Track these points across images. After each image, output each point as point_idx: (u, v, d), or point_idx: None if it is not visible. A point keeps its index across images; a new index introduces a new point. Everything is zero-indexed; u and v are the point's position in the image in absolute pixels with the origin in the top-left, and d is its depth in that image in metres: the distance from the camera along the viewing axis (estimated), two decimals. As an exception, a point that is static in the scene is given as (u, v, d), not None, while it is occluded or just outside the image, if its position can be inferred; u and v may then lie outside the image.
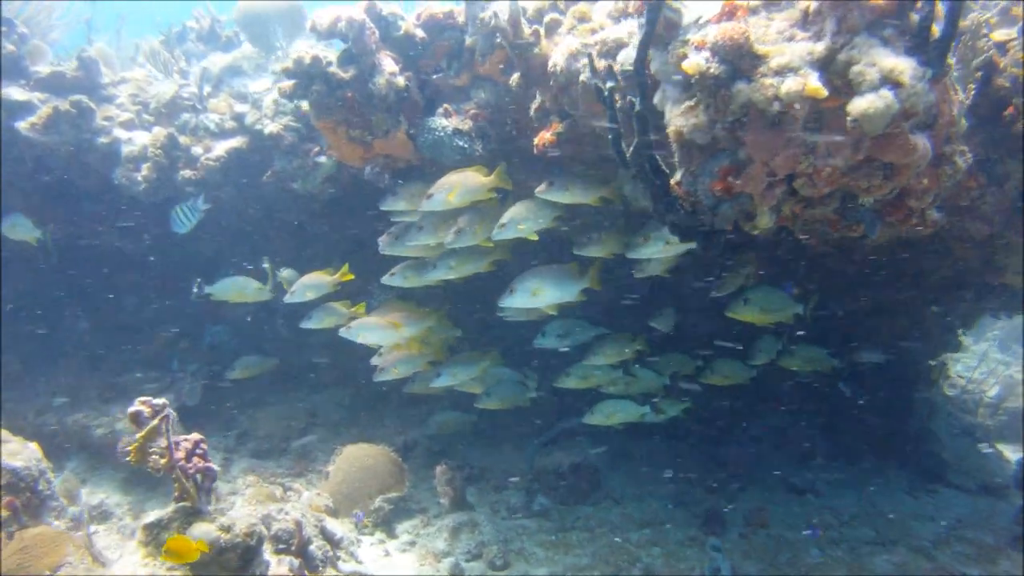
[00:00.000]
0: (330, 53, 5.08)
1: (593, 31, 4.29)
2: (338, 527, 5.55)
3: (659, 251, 4.65)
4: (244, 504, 6.12)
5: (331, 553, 5.21)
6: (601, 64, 4.10)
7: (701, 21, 3.46)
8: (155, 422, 3.88)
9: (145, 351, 7.42)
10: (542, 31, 4.51)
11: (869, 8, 3.21)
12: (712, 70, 3.30)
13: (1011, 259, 5.02)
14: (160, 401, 4.01)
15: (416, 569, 5.59)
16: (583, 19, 4.35)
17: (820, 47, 3.24)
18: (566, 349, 5.92)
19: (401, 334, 5.56)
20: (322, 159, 6.31)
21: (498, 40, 4.89)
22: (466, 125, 5.09)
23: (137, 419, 3.93)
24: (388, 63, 5.06)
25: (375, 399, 7.50)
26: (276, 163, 6.41)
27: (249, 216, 7.01)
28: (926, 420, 7.53)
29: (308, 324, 5.94)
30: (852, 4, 3.22)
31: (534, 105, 4.86)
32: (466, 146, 5.10)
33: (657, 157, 3.67)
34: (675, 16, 3.52)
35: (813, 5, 3.30)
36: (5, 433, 5.45)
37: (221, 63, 7.06)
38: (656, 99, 3.72)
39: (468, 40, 5.14)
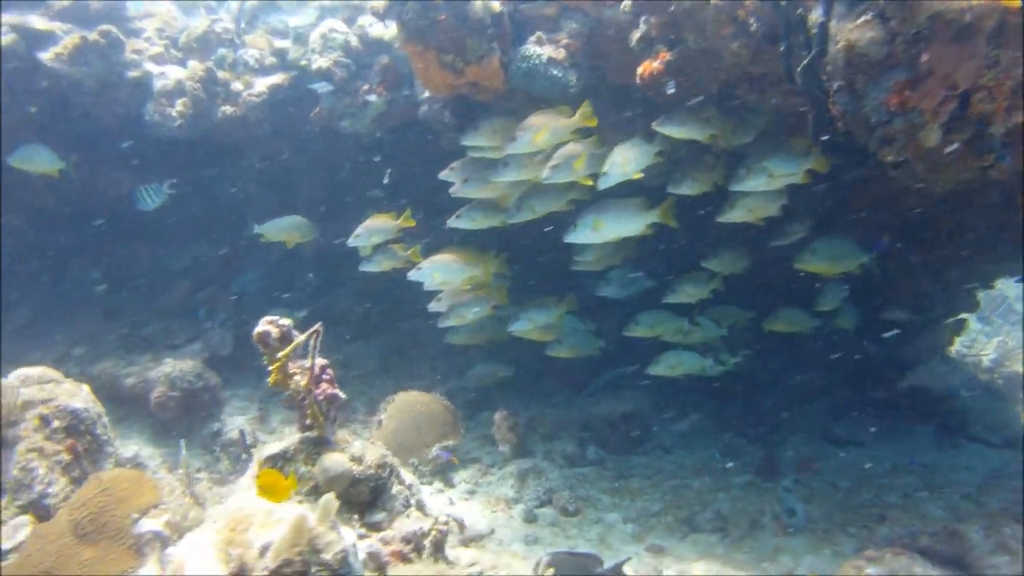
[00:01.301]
0: None
1: (720, -47, 4.18)
2: (407, 475, 5.38)
3: (762, 184, 4.57)
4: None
5: (412, 498, 5.04)
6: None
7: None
8: (302, 338, 3.65)
9: (166, 300, 7.06)
10: (658, -46, 4.40)
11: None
12: (904, -21, 3.24)
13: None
14: (287, 321, 3.77)
15: (488, 516, 5.47)
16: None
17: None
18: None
19: (474, 272, 5.38)
20: (372, 97, 6.08)
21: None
22: (560, 55, 4.94)
23: (264, 340, 3.69)
24: (484, -15, 4.88)
25: (407, 350, 7.30)
26: (324, 101, 6.15)
27: (282, 161, 6.72)
28: (948, 377, 7.70)
29: (368, 267, 5.71)
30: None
31: (636, 35, 4.74)
32: (560, 75, 4.94)
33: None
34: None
35: None
36: (56, 373, 5.12)
37: (258, -2, 6.75)
38: (812, 16, 3.65)
39: (559, -32, 5.00)
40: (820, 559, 5.12)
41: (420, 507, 4.29)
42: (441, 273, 5.33)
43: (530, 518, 5.44)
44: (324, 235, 6.91)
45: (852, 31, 3.46)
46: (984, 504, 5.87)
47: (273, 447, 3.81)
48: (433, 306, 5.77)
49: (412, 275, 5.35)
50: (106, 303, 7.06)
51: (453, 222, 5.47)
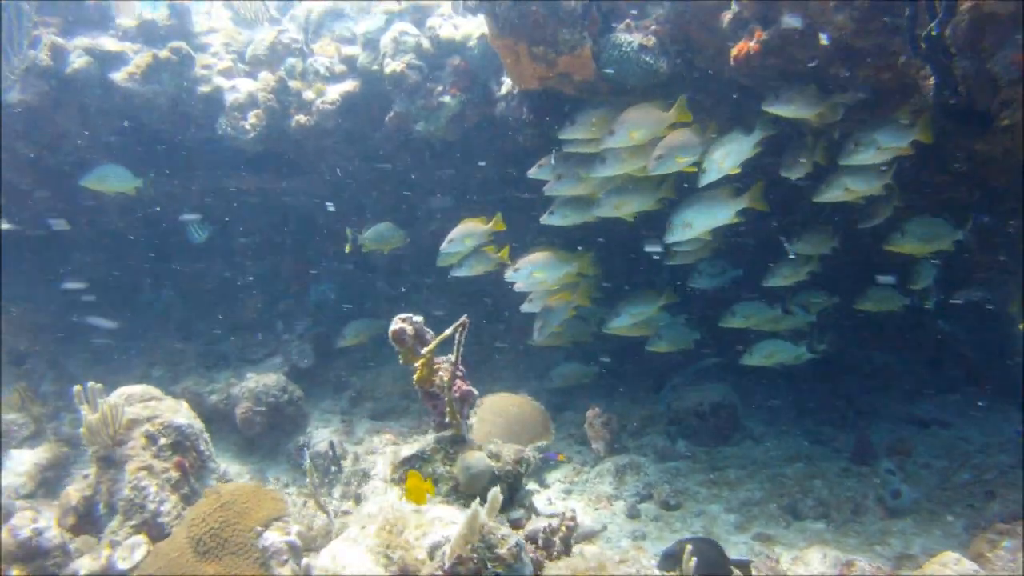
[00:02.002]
0: None
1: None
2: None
3: (871, 157, 4.52)
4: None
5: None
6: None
7: None
8: (448, 331, 3.61)
9: (240, 315, 7.05)
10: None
11: None
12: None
13: None
14: (419, 318, 3.74)
15: (592, 514, 5.42)
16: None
17: None
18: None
19: (570, 268, 5.36)
20: (446, 98, 6.06)
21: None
22: (650, 41, 4.90)
23: (400, 338, 3.66)
24: (571, -25, 4.85)
25: (485, 353, 7.27)
26: (397, 105, 6.13)
27: (353, 169, 6.70)
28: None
29: (460, 272, 5.71)
30: None
31: (727, 16, 4.70)
32: (651, 62, 4.90)
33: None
34: None
35: None
36: (157, 391, 5.10)
37: (320, 7, 6.73)
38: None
39: (644, -44, 4.97)
40: (931, 540, 5.06)
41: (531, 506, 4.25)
42: (540, 271, 5.30)
43: (633, 513, 5.39)
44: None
45: (981, -8, 3.42)
46: (1083, 477, 5.79)
47: (408, 448, 3.77)
48: (526, 307, 5.74)
49: (510, 275, 5.33)
50: (180, 322, 7.05)
51: (546, 219, 5.45)
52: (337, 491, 5.77)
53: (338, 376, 6.99)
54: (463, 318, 3.56)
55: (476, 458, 3.64)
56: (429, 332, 3.72)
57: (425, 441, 3.77)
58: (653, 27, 4.96)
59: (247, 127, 6.17)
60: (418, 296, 6.95)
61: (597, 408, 6.08)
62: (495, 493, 3.21)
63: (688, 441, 6.37)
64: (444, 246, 5.51)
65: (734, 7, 4.65)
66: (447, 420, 3.69)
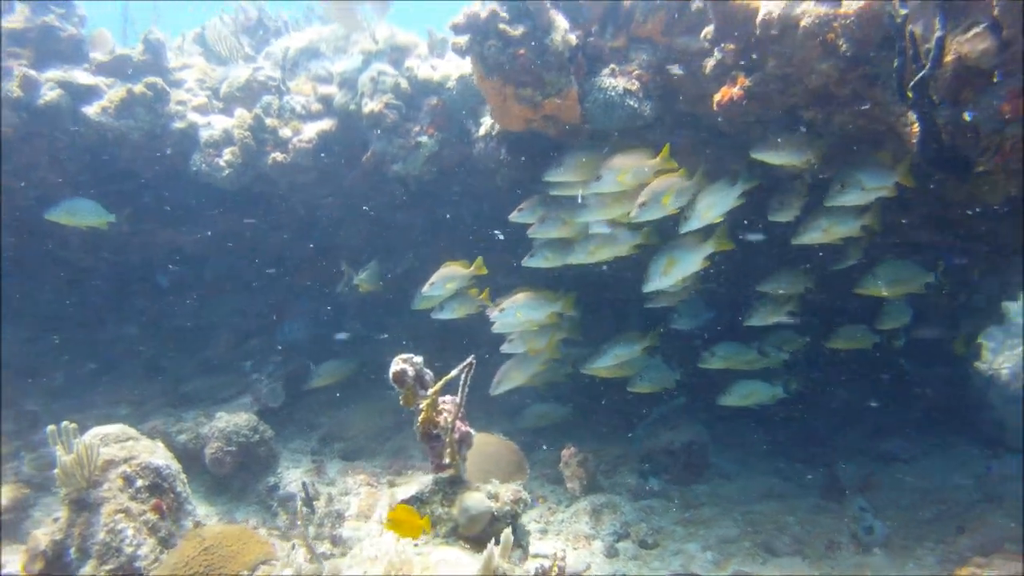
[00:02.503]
0: (498, 8, 4.88)
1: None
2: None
3: (856, 198, 4.65)
4: (364, 502, 5.82)
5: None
6: (820, 10, 4.16)
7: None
8: (455, 372, 3.61)
9: (208, 354, 6.93)
10: (737, -16, 4.51)
11: None
12: (1024, -5, 3.38)
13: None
14: (419, 358, 3.73)
15: (572, 554, 5.41)
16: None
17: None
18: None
19: (554, 308, 5.40)
20: (424, 138, 6.10)
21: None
22: (634, 86, 5.02)
23: (402, 379, 3.64)
24: (560, 20, 4.94)
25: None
26: (375, 144, 6.15)
27: (326, 205, 6.68)
28: (984, 390, 7.86)
29: (441, 315, 5.73)
30: None
31: (710, 62, 4.84)
32: (636, 106, 5.02)
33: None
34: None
35: None
36: (133, 430, 4.98)
37: (297, 45, 6.74)
38: (918, 30, 3.78)
39: (626, 2, 5.09)
40: (906, 573, 5.17)
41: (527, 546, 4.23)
42: (524, 312, 5.33)
43: (612, 553, 5.40)
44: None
45: (963, 44, 3.58)
46: (1042, 513, 5.96)
47: (405, 491, 3.76)
48: (506, 348, 5.75)
49: (496, 316, 5.34)
50: (147, 360, 6.90)
51: (527, 261, 5.50)
52: (310, 532, 5.68)
53: (307, 416, 6.90)
54: (470, 358, 3.57)
55: (476, 499, 3.62)
56: (428, 373, 3.71)
57: (423, 482, 3.75)
58: (636, 72, 5.08)
59: (222, 164, 6.12)
60: (389, 333, 6.91)
61: (572, 448, 6.09)
62: (507, 535, 3.22)
63: (660, 479, 6.40)
64: (425, 289, 5.52)
65: (717, 54, 4.79)
66: (447, 462, 3.67)
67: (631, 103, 5.01)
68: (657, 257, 5.12)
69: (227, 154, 6.14)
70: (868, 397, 7.59)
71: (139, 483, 4.53)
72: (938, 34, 3.57)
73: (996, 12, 3.47)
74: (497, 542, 3.68)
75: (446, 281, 5.45)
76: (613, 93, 5.00)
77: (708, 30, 4.73)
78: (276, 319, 7.16)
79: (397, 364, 3.62)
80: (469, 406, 7.01)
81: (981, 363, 8.93)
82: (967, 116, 3.68)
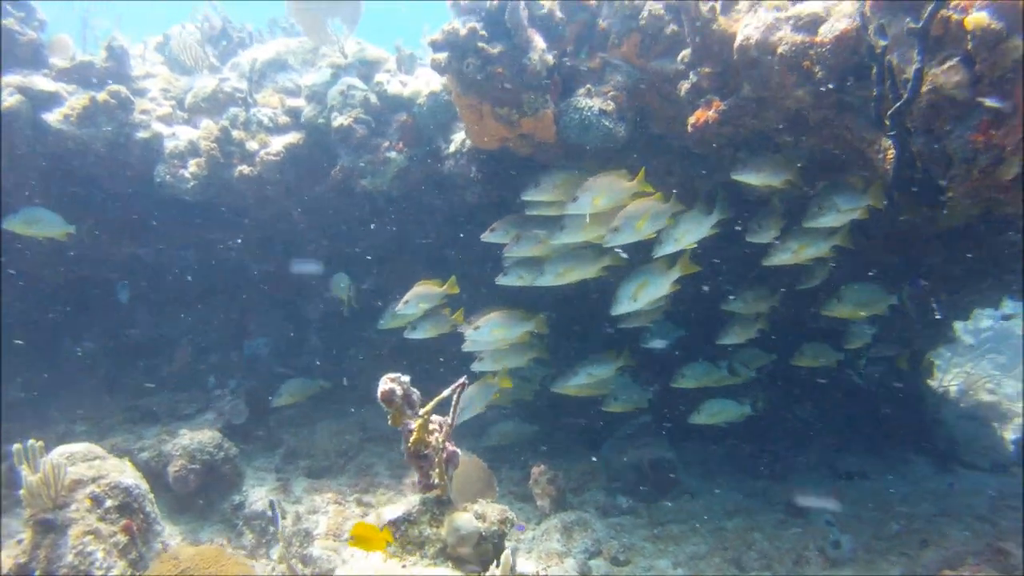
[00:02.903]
0: (477, 26, 4.88)
1: (778, 8, 4.40)
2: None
3: (833, 220, 4.73)
4: (333, 521, 5.74)
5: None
6: (796, 38, 4.24)
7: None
8: (447, 392, 3.57)
9: (169, 369, 6.77)
10: (718, 7, 4.57)
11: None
12: (993, 25, 3.48)
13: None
14: (406, 377, 3.69)
15: (544, 572, 5.39)
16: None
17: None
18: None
19: (527, 327, 5.41)
20: (392, 154, 6.07)
21: (643, 21, 4.95)
22: (609, 107, 5.06)
23: (390, 398, 3.60)
24: (538, 40, 4.96)
25: (419, 410, 7.19)
26: (343, 159, 6.10)
27: (291, 219, 6.60)
28: (937, 407, 8.05)
29: (415, 335, 5.74)
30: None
31: (685, 85, 4.90)
32: (611, 127, 5.06)
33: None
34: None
35: None
36: (100, 449, 4.84)
37: (264, 57, 6.65)
38: (896, 61, 3.87)
39: (601, 23, 5.14)
40: (876, 585, 5.27)
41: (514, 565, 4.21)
42: (500, 330, 5.33)
43: (584, 570, 5.40)
44: (331, 300, 6.85)
45: (938, 75, 3.68)
46: (998, 524, 6.11)
47: (392, 511, 3.70)
48: (477, 366, 5.74)
49: (471, 335, 5.33)
50: (105, 375, 6.72)
51: (501, 280, 5.52)
52: (276, 552, 5.58)
53: (270, 433, 6.78)
54: (462, 379, 3.55)
55: (464, 519, 3.60)
56: (415, 391, 3.67)
57: (410, 503, 3.70)
58: (611, 93, 5.12)
59: (187, 175, 6.01)
60: (353, 349, 6.83)
61: (542, 466, 6.08)
62: (507, 556, 3.20)
63: (628, 497, 6.42)
64: (400, 308, 5.49)
65: (692, 77, 4.85)
66: (435, 481, 3.63)
67: (606, 124, 5.04)
68: (627, 281, 5.17)
69: (192, 166, 6.03)
70: (825, 415, 7.74)
71: (108, 503, 4.41)
72: (916, 66, 3.66)
73: (970, 47, 3.58)
74: (490, 562, 3.70)
75: (419, 300, 5.42)
76: (589, 113, 5.03)
77: (685, 53, 4.79)
78: (238, 334, 7.03)
79: (385, 383, 3.58)
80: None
81: (932, 381, 9.15)
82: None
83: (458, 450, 3.79)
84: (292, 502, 6.11)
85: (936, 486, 7.14)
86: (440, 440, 3.58)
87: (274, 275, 6.86)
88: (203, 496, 5.99)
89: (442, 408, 3.66)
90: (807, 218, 4.71)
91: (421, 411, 3.56)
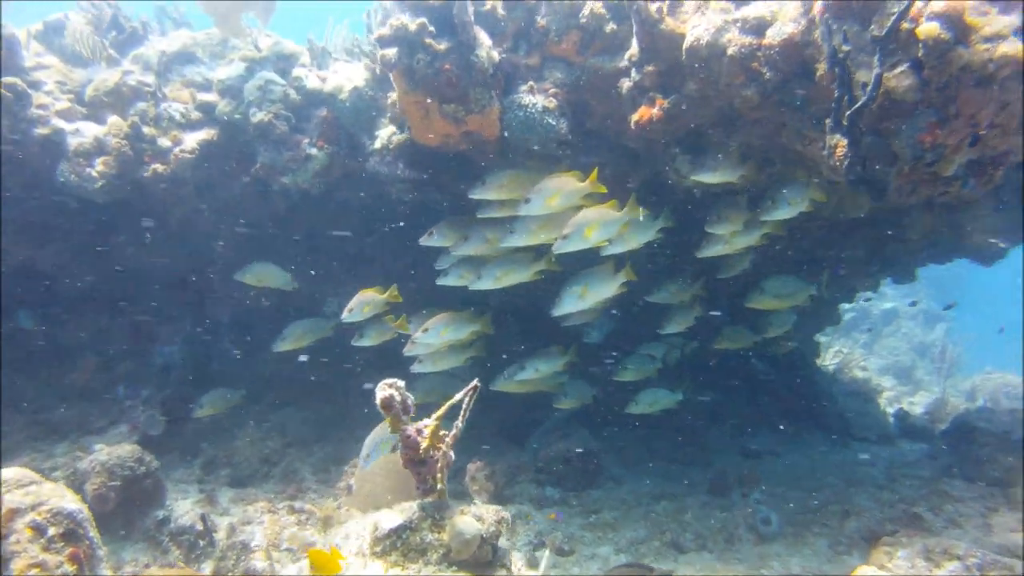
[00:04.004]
0: (426, 22, 4.80)
1: (725, 10, 4.57)
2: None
3: (786, 212, 4.93)
4: (270, 530, 5.56)
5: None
6: (745, 40, 4.42)
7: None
8: (459, 395, 3.52)
9: (72, 380, 6.34)
10: (665, 8, 4.68)
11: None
12: (943, 35, 3.75)
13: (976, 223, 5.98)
14: (401, 382, 3.60)
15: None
16: (707, -1, 4.63)
17: (1017, 19, 3.83)
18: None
19: (474, 327, 5.44)
20: (313, 151, 5.91)
21: (584, 19, 5.02)
22: (551, 103, 5.10)
23: (390, 405, 3.50)
24: (484, 37, 4.93)
25: (340, 415, 7.04)
26: (263, 156, 5.89)
27: (203, 218, 6.31)
28: (828, 386, 8.55)
29: (362, 342, 5.73)
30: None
31: (626, 84, 5.01)
32: (554, 124, 5.10)
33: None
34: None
35: None
36: (32, 473, 4.48)
37: (170, 49, 6.30)
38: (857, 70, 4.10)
39: (540, 20, 5.17)
40: (804, 559, 5.56)
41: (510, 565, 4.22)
42: (447, 332, 5.32)
43: (533, 563, 5.43)
44: (242, 298, 6.63)
45: (890, 79, 3.93)
46: (898, 491, 6.56)
47: (390, 520, 3.60)
48: (417, 367, 5.70)
49: (419, 337, 5.30)
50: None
51: (442, 280, 5.55)
52: (208, 566, 5.35)
53: (186, 442, 6.47)
54: (474, 382, 3.51)
55: (466, 523, 3.56)
56: (410, 396, 3.60)
57: (408, 510, 3.62)
58: (552, 90, 5.17)
59: (94, 174, 5.64)
60: (265, 353, 6.58)
61: (479, 462, 6.09)
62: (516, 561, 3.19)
63: (557, 487, 6.52)
64: (344, 316, 5.42)
65: (635, 75, 4.96)
66: (437, 486, 3.58)
67: (549, 121, 5.09)
68: (571, 284, 5.30)
69: (100, 164, 5.66)
70: (730, 397, 8.09)
71: (51, 531, 4.07)
72: (876, 71, 3.88)
73: (920, 54, 3.83)
74: (488, 564, 3.68)
75: (363, 306, 5.34)
76: (533, 111, 5.06)
77: (633, 52, 4.89)
78: (147, 341, 6.65)
79: (384, 390, 3.49)
80: (356, 422, 6.91)
81: (818, 360, 9.73)
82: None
83: (452, 454, 3.74)
84: (220, 513, 5.86)
85: (838, 459, 7.61)
86: (450, 444, 3.54)
87: (184, 278, 6.54)
88: (122, 513, 5.65)
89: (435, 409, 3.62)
90: (763, 212, 4.92)
91: (433, 416, 3.50)
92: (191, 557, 5.52)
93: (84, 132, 5.72)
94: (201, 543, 5.53)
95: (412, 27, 4.72)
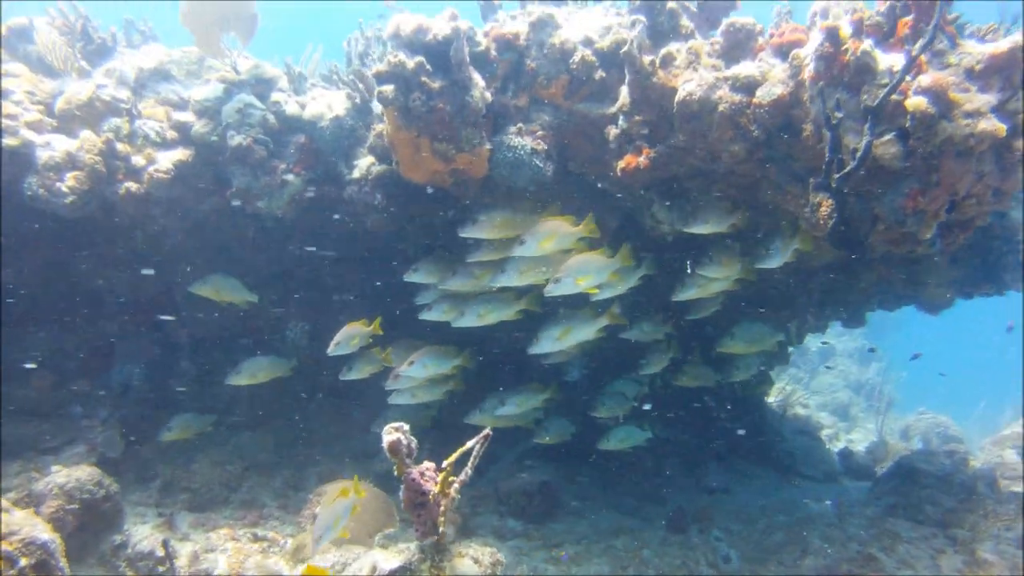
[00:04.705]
0: (424, 61, 4.85)
1: (716, 67, 4.73)
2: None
3: (776, 261, 5.11)
4: (233, 559, 5.48)
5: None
6: (736, 98, 4.58)
7: (895, 69, 4.09)
8: (472, 443, 3.57)
9: (24, 397, 6.15)
10: (657, 62, 4.80)
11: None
12: (930, 110, 3.95)
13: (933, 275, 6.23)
14: (407, 426, 3.61)
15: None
16: (697, 53, 4.77)
17: (993, 98, 4.05)
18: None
19: (456, 361, 5.57)
20: (289, 176, 5.89)
21: (574, 65, 5.13)
22: (540, 146, 5.18)
23: (396, 448, 3.51)
24: (477, 77, 4.99)
25: (299, 439, 6.98)
26: (239, 179, 5.83)
27: (171, 239, 6.21)
28: (776, 424, 8.76)
29: (350, 375, 5.82)
30: (1012, 62, 4.07)
31: (612, 131, 5.12)
32: (541, 166, 5.18)
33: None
34: (872, 63, 4.13)
35: (979, 67, 4.11)
36: (4, 502, 4.34)
37: (147, 66, 6.20)
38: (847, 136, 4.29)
39: (530, 63, 5.25)
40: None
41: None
42: (432, 366, 5.44)
43: (512, 601, 5.48)
44: (203, 321, 6.56)
45: (877, 146, 4.12)
46: (847, 531, 6.76)
47: (389, 561, 3.63)
48: (394, 399, 5.82)
49: (406, 371, 5.42)
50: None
51: (425, 315, 5.69)
52: (168, 594, 5.26)
53: (142, 465, 6.34)
54: (487, 430, 3.55)
55: (467, 565, 3.64)
56: (413, 440, 3.61)
57: (409, 552, 3.67)
58: (539, 132, 5.26)
59: (64, 189, 5.50)
60: (223, 376, 6.48)
61: (447, 492, 6.07)
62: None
63: (519, 519, 6.55)
64: (331, 349, 5.46)
65: (623, 123, 5.07)
66: (439, 529, 3.60)
67: (537, 163, 5.18)
68: (552, 324, 5.54)
69: (70, 179, 5.53)
70: (683, 434, 8.23)
71: (23, 563, 3.97)
72: (867, 138, 4.07)
73: (907, 125, 4.03)
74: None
75: (349, 340, 5.38)
76: (521, 152, 5.14)
77: (624, 101, 5.00)
78: (105, 360, 6.49)
79: (391, 434, 3.51)
80: (318, 447, 6.86)
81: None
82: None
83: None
84: (180, 539, 5.74)
85: (788, 496, 7.80)
86: (457, 488, 3.57)
87: (148, 298, 6.43)
88: (78, 537, 5.50)
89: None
90: (758, 261, 5.09)
91: (444, 463, 3.53)
92: (148, 584, 5.41)
93: (55, 145, 5.58)
94: (160, 569, 5.41)
95: (410, 65, 4.74)
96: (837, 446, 11.16)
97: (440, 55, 4.85)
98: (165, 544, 5.41)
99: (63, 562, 4.25)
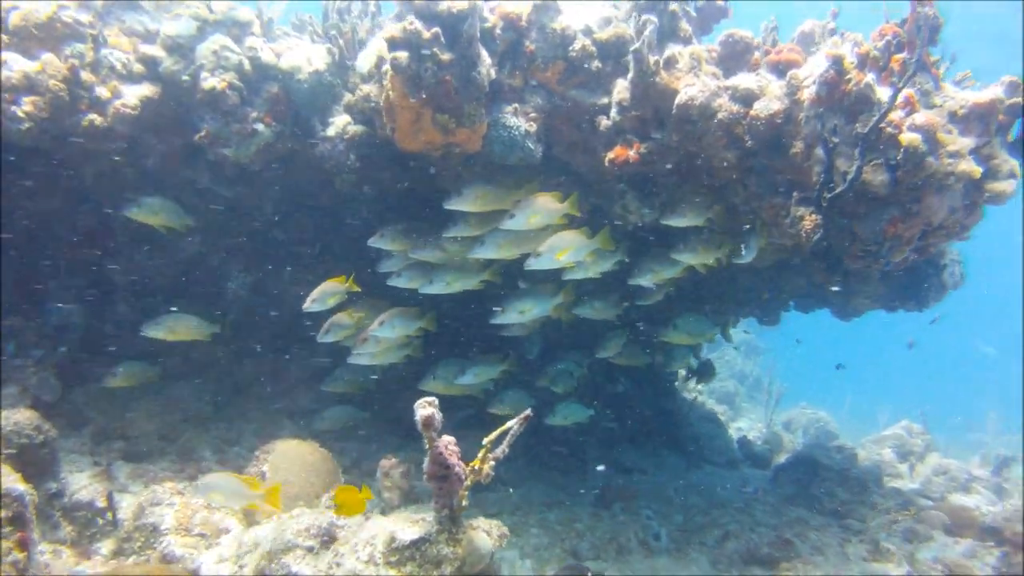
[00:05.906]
0: (440, 32, 4.81)
1: (716, 75, 4.93)
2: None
3: (751, 256, 5.36)
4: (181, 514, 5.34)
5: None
6: (734, 108, 4.79)
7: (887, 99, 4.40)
8: (512, 422, 3.63)
9: (-51, 333, 5.76)
10: (661, 63, 4.95)
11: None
12: (921, 146, 4.27)
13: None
14: (436, 400, 3.64)
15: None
16: (699, 59, 4.95)
17: (972, 142, 4.44)
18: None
19: (420, 323, 5.57)
20: (259, 126, 5.73)
21: (573, 53, 5.22)
22: (532, 127, 5.24)
23: (431, 423, 3.54)
24: (485, 54, 4.98)
25: (235, 391, 6.82)
26: (209, 123, 5.62)
27: (120, 177, 5.93)
28: (686, 410, 9.17)
29: (327, 339, 5.77)
30: (991, 111, 4.48)
31: (603, 122, 5.25)
32: (532, 148, 5.26)
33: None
34: (872, 95, 4.42)
35: (962, 111, 4.49)
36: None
37: (113, -8, 5.86)
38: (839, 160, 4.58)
39: (529, 45, 5.29)
40: (691, 574, 6.00)
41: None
42: (400, 328, 5.50)
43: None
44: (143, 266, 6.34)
45: (867, 172, 4.42)
46: (754, 515, 7.19)
47: (409, 533, 3.72)
48: (353, 359, 5.80)
49: (375, 332, 5.42)
50: None
51: (393, 281, 5.76)
52: (106, 546, 5.10)
53: (73, 409, 6.06)
54: (527, 411, 3.63)
55: (482, 538, 3.80)
56: (440, 414, 3.65)
57: (425, 523, 3.79)
58: (533, 115, 5.32)
59: (20, 115, 5.16)
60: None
61: (394, 458, 6.10)
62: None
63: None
64: (307, 306, 5.39)
65: (615, 116, 5.21)
66: (462, 503, 3.71)
67: (529, 144, 5.26)
68: (515, 298, 5.72)
69: (28, 104, 5.18)
70: (601, 413, 8.51)
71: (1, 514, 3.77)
72: (858, 163, 4.38)
73: (899, 157, 4.36)
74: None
75: (326, 297, 5.32)
76: (516, 132, 5.21)
77: (623, 95, 5.12)
78: (38, 298, 6.13)
79: (425, 408, 3.56)
80: (253, 402, 6.75)
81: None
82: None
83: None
84: (119, 490, 5.57)
85: (697, 479, 8.20)
86: (492, 466, 3.66)
87: (86, 234, 6.13)
88: (11, 484, 5.24)
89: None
90: (736, 256, 5.38)
91: (485, 440, 3.60)
92: (85, 535, 5.23)
93: (11, 65, 5.22)
94: (99, 521, 5.24)
95: (426, 36, 4.69)
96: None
97: (451, 28, 4.83)
98: (109, 496, 5.26)
99: (32, 512, 4.07)
